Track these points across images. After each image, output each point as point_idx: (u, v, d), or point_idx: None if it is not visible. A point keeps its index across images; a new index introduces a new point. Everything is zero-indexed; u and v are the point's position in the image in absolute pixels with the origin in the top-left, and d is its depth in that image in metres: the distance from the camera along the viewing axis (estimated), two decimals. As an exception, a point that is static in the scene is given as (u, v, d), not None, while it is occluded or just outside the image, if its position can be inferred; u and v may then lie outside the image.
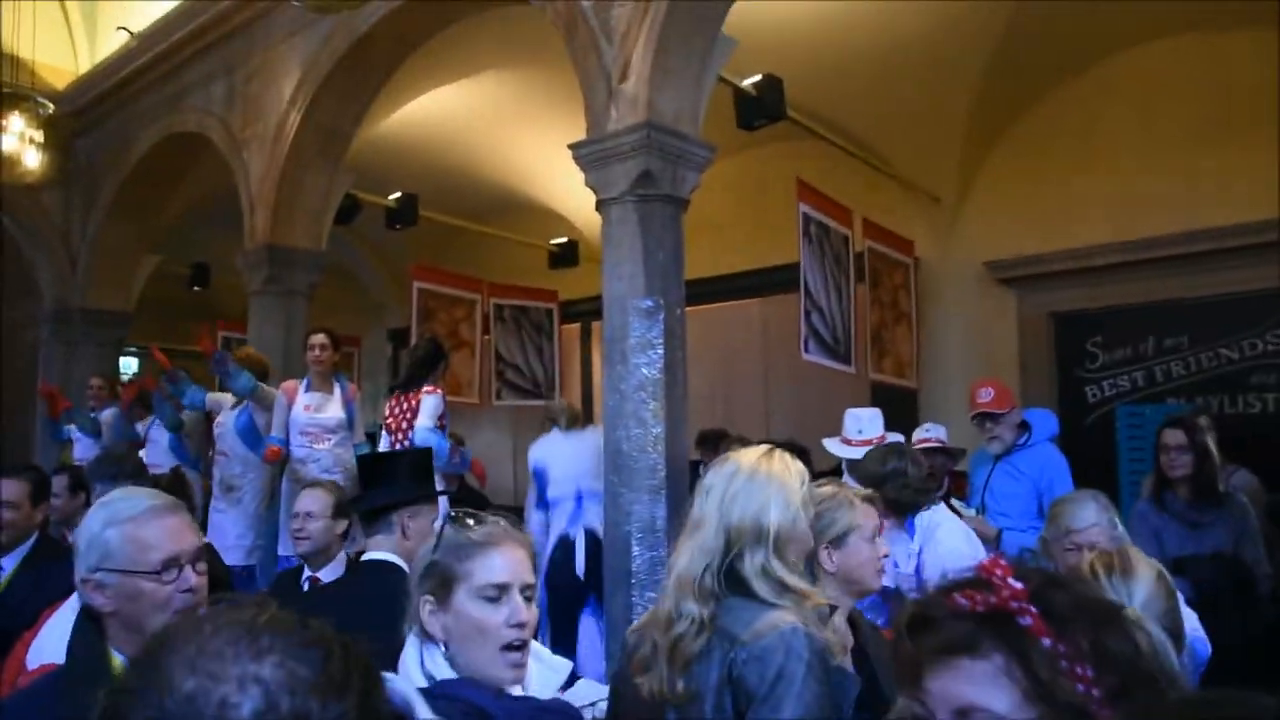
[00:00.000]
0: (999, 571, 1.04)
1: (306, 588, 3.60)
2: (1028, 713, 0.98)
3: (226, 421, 6.10)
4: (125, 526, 1.87)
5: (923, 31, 6.56)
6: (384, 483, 2.97)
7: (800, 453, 4.33)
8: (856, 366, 6.63)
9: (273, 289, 7.37)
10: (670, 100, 4.99)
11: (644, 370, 4.71)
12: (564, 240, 9.79)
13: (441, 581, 1.78)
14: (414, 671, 1.76)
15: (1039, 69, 7.17)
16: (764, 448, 2.15)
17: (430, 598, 1.79)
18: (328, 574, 3.60)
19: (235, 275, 11.28)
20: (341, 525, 3.67)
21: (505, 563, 1.80)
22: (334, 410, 5.77)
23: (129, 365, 12.89)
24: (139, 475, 4.23)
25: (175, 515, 1.95)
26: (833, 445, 4.92)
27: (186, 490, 5.32)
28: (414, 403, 5.50)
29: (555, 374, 9.43)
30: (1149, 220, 6.82)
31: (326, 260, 7.67)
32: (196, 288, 11.60)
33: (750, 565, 1.96)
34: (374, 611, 2.64)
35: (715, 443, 6.31)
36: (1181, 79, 6.80)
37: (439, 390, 5.55)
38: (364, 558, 2.91)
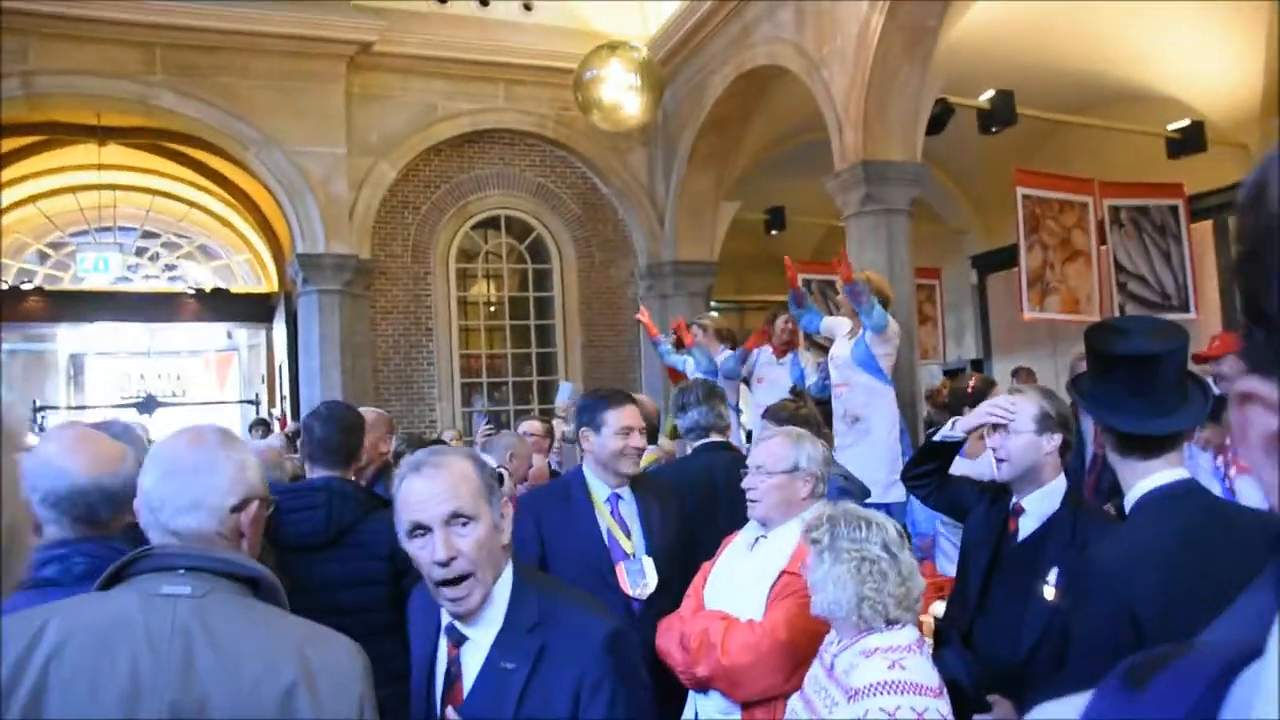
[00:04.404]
0: None
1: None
2: None
3: (843, 352, 5.64)
4: None
5: None
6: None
7: None
8: None
9: (869, 208, 6.87)
10: None
11: None
12: (1185, 124, 8.16)
13: None
14: None
15: None
16: None
17: None
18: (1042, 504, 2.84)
19: (807, 215, 11.24)
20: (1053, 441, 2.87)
21: None
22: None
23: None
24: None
25: None
26: None
27: (812, 416, 4.85)
28: None
29: (1188, 282, 7.92)
30: None
31: (923, 173, 7.02)
32: (774, 232, 11.59)
33: None
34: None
35: None
36: None
37: None
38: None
